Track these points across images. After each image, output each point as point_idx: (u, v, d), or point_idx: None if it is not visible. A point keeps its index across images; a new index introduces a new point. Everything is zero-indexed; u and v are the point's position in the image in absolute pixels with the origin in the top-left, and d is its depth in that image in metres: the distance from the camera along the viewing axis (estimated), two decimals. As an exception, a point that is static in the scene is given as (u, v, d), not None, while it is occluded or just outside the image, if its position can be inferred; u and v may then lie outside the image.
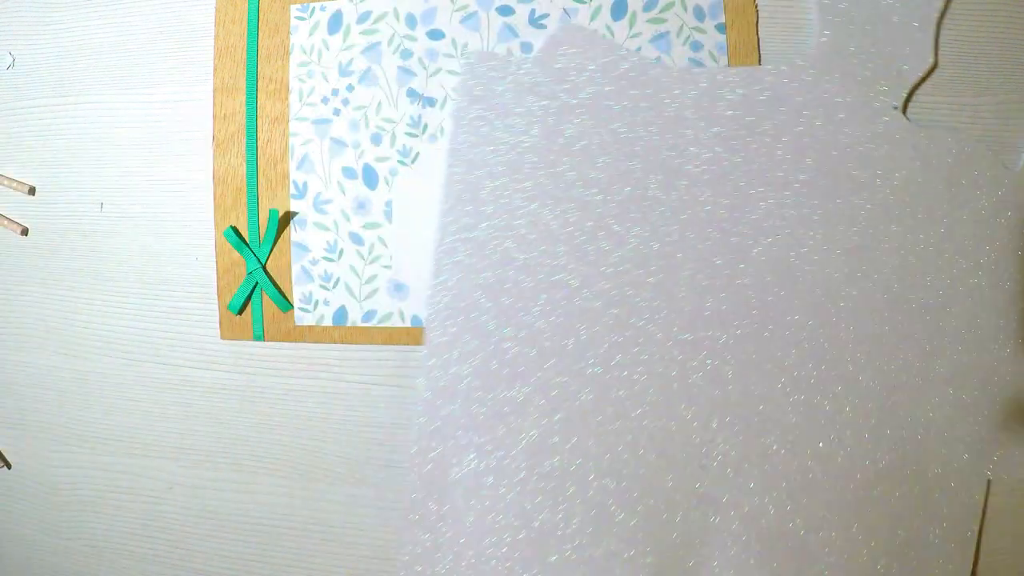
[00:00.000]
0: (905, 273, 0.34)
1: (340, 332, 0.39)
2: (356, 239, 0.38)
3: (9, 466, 0.45)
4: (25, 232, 0.43)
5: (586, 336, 0.35)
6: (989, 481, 0.34)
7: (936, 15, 0.34)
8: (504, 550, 0.34)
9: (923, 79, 0.34)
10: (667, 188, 0.35)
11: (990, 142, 0.35)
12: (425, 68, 0.38)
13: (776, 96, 0.34)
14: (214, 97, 0.40)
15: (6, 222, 0.43)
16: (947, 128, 0.34)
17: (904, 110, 0.34)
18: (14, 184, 0.43)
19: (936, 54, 0.34)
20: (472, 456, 0.35)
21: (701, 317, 0.34)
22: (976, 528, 0.34)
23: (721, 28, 0.36)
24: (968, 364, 0.34)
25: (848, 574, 0.33)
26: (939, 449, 0.34)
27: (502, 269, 0.36)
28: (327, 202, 0.39)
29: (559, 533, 0.34)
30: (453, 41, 0.37)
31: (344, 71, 0.38)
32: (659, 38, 0.36)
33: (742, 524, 0.34)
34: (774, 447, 0.34)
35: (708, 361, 0.34)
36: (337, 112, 0.38)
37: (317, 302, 0.39)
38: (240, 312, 0.40)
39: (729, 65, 0.35)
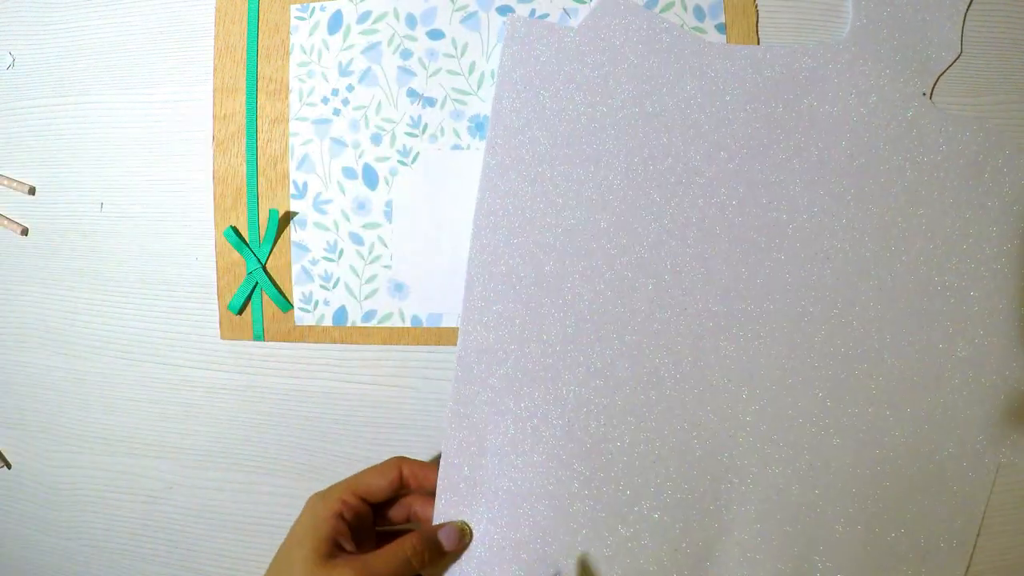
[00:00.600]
0: (932, 256, 0.34)
1: (340, 332, 0.39)
2: (356, 239, 0.38)
3: (9, 466, 0.45)
4: (25, 232, 0.43)
5: (624, 304, 0.35)
6: (1000, 464, 0.34)
7: (964, 5, 0.35)
8: (538, 517, 0.35)
9: (949, 66, 0.35)
10: (708, 160, 0.35)
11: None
12: (425, 68, 0.38)
13: (814, 76, 0.35)
14: (214, 97, 0.40)
15: (6, 222, 0.43)
16: (973, 116, 0.35)
17: (931, 96, 0.35)
18: (14, 184, 0.43)
19: (962, 43, 0.35)
20: (508, 421, 0.35)
21: (736, 289, 0.35)
22: (983, 508, 0.34)
23: (721, 28, 0.36)
24: (988, 348, 0.34)
25: (859, 544, 0.34)
26: (956, 429, 0.34)
27: (541, 235, 0.35)
28: (327, 202, 0.39)
29: (591, 500, 0.35)
30: (453, 41, 0.37)
31: (344, 71, 0.38)
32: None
33: (765, 492, 0.34)
34: (799, 420, 0.34)
35: (740, 333, 0.35)
36: (337, 112, 0.38)
37: (317, 302, 0.39)
38: (240, 312, 0.40)
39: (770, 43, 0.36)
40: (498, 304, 0.35)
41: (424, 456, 0.39)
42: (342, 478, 0.39)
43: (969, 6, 0.35)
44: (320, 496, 0.32)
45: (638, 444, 0.35)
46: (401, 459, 0.34)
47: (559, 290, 0.35)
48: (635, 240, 0.35)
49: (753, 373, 0.35)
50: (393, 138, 0.38)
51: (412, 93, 0.38)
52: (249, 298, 0.39)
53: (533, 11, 0.37)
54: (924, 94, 0.35)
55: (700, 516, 0.34)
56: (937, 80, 0.35)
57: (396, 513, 0.35)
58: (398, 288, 0.38)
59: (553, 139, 0.36)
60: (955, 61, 0.35)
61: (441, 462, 0.35)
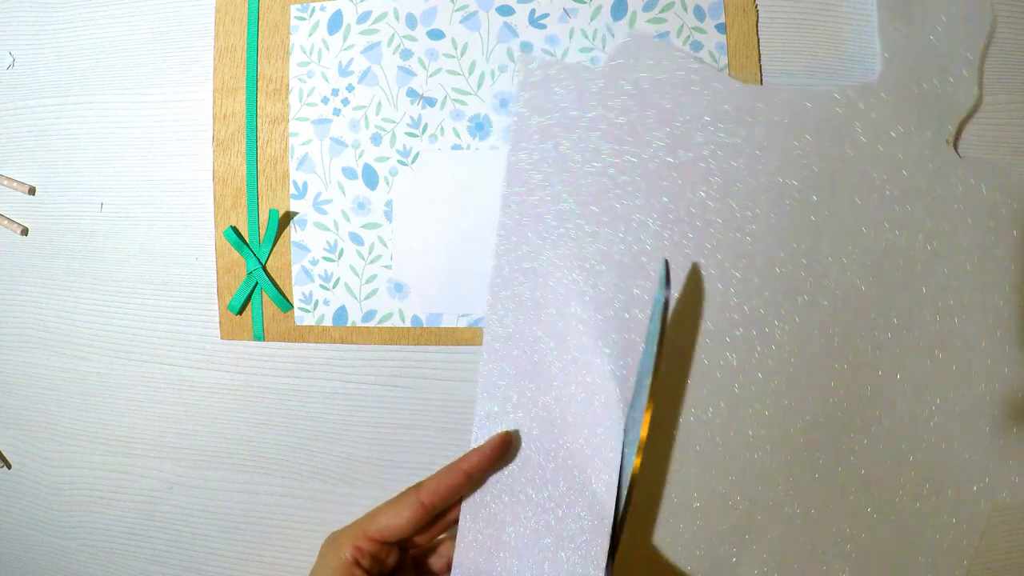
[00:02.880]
0: (944, 307, 0.33)
1: (340, 332, 0.39)
2: (356, 239, 0.38)
3: (9, 466, 0.45)
4: (25, 232, 0.43)
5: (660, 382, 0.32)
6: (992, 506, 0.34)
7: (979, 50, 0.34)
8: None
9: (970, 114, 0.34)
10: (746, 217, 0.33)
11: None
12: (425, 68, 0.38)
13: (846, 125, 0.33)
14: (214, 97, 0.40)
15: (6, 222, 0.43)
16: (991, 162, 0.34)
17: (955, 145, 0.34)
18: (14, 184, 0.43)
19: (981, 88, 0.34)
20: (529, 513, 0.31)
21: (751, 339, 0.33)
22: (975, 542, 0.34)
23: (721, 28, 0.36)
24: (993, 393, 0.34)
25: None
26: (957, 472, 0.34)
27: (566, 306, 0.32)
28: (327, 202, 0.39)
29: None
30: (453, 41, 0.37)
31: (344, 71, 0.38)
32: (659, 38, 0.36)
33: (772, 549, 0.34)
34: (808, 472, 0.34)
35: (750, 377, 0.34)
36: (337, 112, 0.38)
37: (317, 302, 0.39)
38: (240, 312, 0.40)
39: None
40: (518, 386, 0.32)
41: (424, 457, 0.39)
42: (341, 478, 0.39)
43: (984, 54, 0.34)
44: (332, 542, 0.29)
45: (665, 537, 0.32)
46: (417, 488, 0.30)
47: (587, 367, 0.31)
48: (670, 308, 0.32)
49: (759, 414, 0.34)
50: (393, 138, 0.38)
51: (412, 93, 0.38)
52: (249, 298, 0.39)
53: (533, 11, 0.37)
54: (947, 142, 0.33)
55: (715, 564, 0.33)
56: (960, 127, 0.34)
57: (435, 562, 0.32)
58: (398, 288, 0.38)
59: (577, 196, 0.32)
60: (975, 109, 0.34)
61: (455, 556, 0.32)
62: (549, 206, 0.33)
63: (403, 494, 0.30)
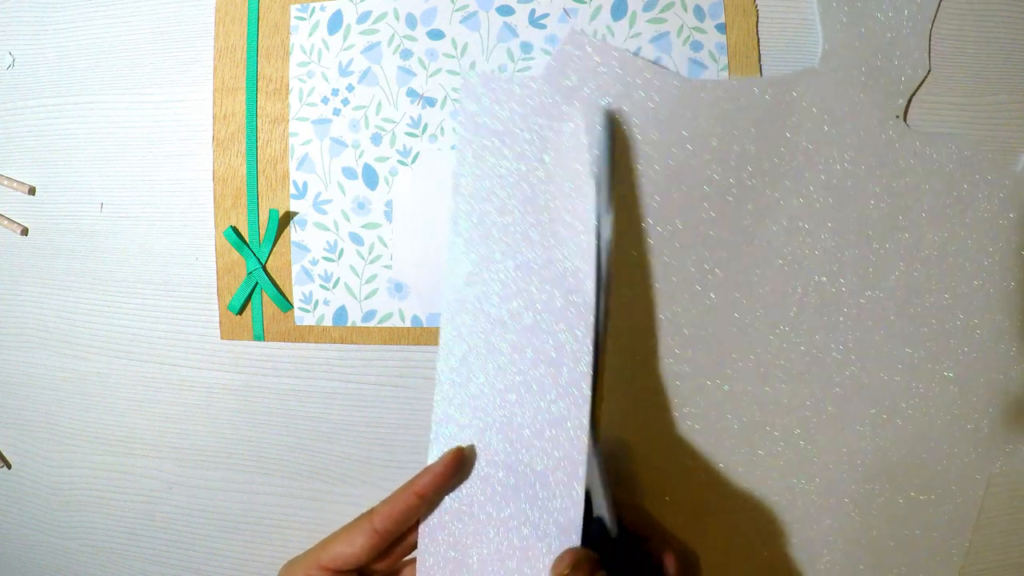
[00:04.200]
0: (911, 278, 0.34)
1: (340, 332, 0.39)
2: (356, 239, 0.38)
3: (9, 466, 0.45)
4: (25, 232, 0.43)
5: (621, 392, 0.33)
6: (989, 477, 0.34)
7: (928, 23, 0.34)
8: None
9: (919, 86, 0.35)
10: (688, 212, 0.33)
11: (987, 142, 0.35)
12: (425, 68, 0.38)
13: (792, 108, 0.34)
14: (214, 97, 0.40)
15: (6, 222, 0.43)
16: (947, 134, 0.35)
17: (905, 117, 0.34)
18: (14, 184, 0.43)
19: (929, 60, 0.34)
20: (492, 534, 0.30)
21: (720, 337, 0.34)
22: (974, 519, 0.34)
23: (721, 28, 0.36)
24: (974, 364, 0.34)
25: (846, 562, 0.34)
26: (945, 446, 0.34)
27: (519, 317, 0.31)
28: (327, 202, 0.39)
29: None
30: (453, 41, 0.38)
31: (344, 71, 0.38)
32: (659, 38, 0.36)
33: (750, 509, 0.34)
34: (789, 436, 0.34)
35: (728, 370, 0.34)
36: (337, 112, 0.38)
37: (317, 302, 0.39)
38: (240, 312, 0.40)
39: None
40: (472, 402, 0.31)
41: (424, 457, 0.39)
42: (341, 478, 0.39)
43: (934, 22, 0.34)
44: (287, 572, 0.29)
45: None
46: (370, 514, 0.29)
47: (544, 379, 0.30)
48: (626, 312, 0.33)
49: (740, 398, 0.34)
50: (393, 138, 0.38)
51: (412, 93, 0.38)
52: (249, 298, 0.39)
53: (533, 11, 0.37)
54: (897, 116, 0.34)
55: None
56: (910, 101, 0.35)
57: None
58: (398, 288, 0.38)
59: (523, 207, 0.32)
60: (925, 79, 0.34)
61: None
62: (495, 218, 0.32)
63: (356, 520, 0.29)
